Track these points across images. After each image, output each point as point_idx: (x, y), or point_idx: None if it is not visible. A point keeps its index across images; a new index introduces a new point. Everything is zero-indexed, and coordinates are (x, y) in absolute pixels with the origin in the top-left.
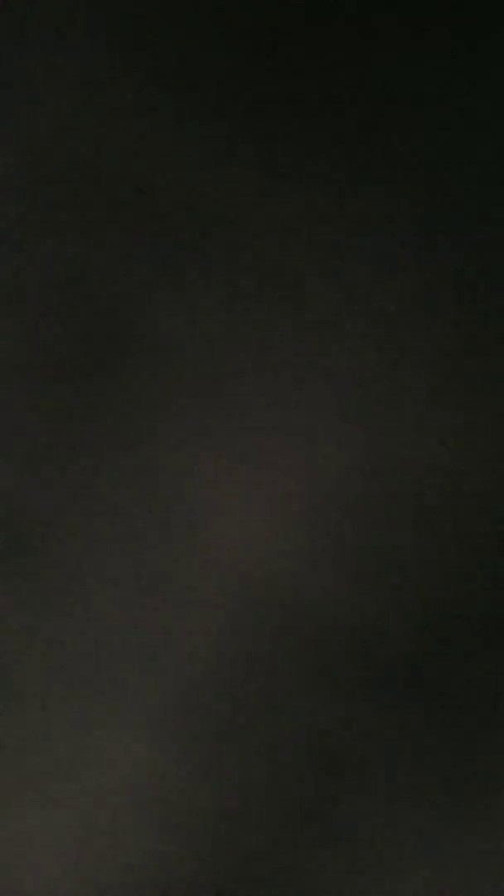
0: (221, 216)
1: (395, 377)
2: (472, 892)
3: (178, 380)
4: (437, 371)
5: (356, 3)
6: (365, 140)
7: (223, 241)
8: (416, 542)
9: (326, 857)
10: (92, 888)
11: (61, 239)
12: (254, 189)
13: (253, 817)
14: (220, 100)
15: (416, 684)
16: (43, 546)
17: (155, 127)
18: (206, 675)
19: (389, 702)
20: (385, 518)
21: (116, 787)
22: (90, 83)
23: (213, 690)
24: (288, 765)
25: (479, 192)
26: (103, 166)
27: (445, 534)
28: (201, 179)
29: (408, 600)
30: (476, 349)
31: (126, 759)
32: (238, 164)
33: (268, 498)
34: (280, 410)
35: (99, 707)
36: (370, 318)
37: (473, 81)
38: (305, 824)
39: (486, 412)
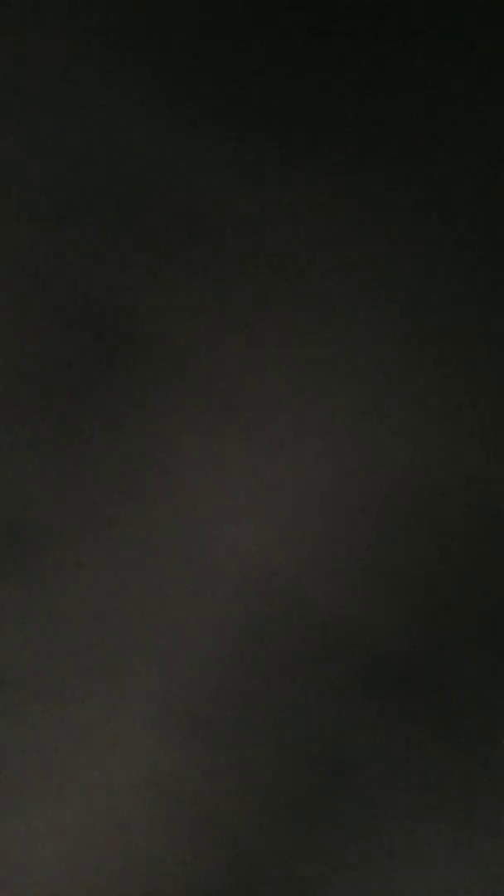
0: (222, 215)
1: (396, 380)
2: (472, 892)
3: (179, 381)
4: (437, 374)
5: (357, 2)
6: (366, 137)
7: (224, 241)
8: (415, 544)
9: (327, 857)
10: (92, 888)
11: (61, 239)
12: (255, 188)
13: (254, 818)
14: (221, 98)
15: (416, 686)
16: (43, 546)
17: (155, 127)
18: (206, 675)
19: (390, 703)
20: (385, 520)
21: (117, 788)
22: (91, 82)
23: (214, 691)
24: (289, 765)
25: (481, 191)
26: (104, 167)
27: (446, 536)
28: (202, 179)
29: (408, 603)
30: (477, 351)
31: (127, 760)
32: (239, 164)
33: (268, 499)
34: (280, 412)
35: (99, 707)
36: (371, 321)
37: (474, 75)
38: (307, 824)
39: (486, 414)
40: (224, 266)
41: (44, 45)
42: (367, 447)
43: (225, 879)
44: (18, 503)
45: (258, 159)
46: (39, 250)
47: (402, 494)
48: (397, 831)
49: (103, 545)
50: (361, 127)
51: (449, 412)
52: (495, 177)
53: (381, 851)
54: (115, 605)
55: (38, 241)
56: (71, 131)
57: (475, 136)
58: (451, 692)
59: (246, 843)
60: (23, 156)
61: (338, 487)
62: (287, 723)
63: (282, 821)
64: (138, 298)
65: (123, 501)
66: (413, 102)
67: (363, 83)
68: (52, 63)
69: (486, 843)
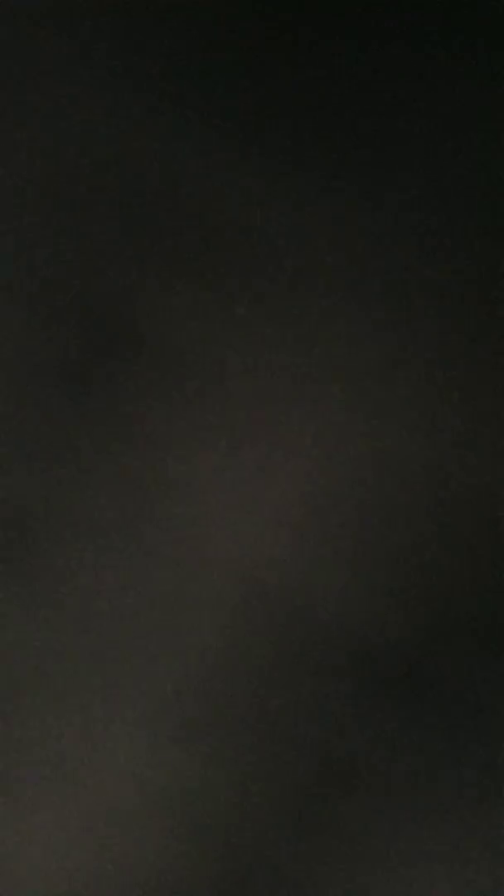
0: (222, 216)
1: (397, 380)
2: (472, 892)
3: (178, 381)
4: (438, 374)
5: (359, 8)
6: (368, 139)
7: (223, 241)
8: (416, 543)
9: (327, 858)
10: (92, 888)
11: (61, 239)
12: (254, 189)
13: (253, 818)
14: (222, 100)
15: (416, 685)
16: (43, 546)
17: (156, 128)
18: (206, 675)
19: (390, 703)
20: (385, 520)
21: (116, 788)
22: (91, 84)
23: (214, 691)
24: (288, 765)
25: (480, 192)
26: (104, 167)
27: (446, 535)
28: (202, 179)
29: (408, 602)
30: (477, 352)
31: (126, 761)
32: (239, 164)
33: (268, 499)
34: (280, 412)
35: (99, 708)
36: (372, 321)
37: (474, 83)
38: (306, 825)
39: (487, 415)
40: (224, 267)
41: (45, 46)
42: (369, 449)
43: (224, 881)
44: (18, 505)
45: (259, 160)
46: (39, 251)
47: (403, 496)
48: (397, 831)
49: (102, 547)
50: (364, 128)
51: (451, 414)
52: (496, 179)
53: (381, 852)
54: (115, 608)
55: (38, 243)
56: (72, 132)
57: (477, 139)
58: (452, 692)
59: (245, 844)
60: (23, 157)
61: (338, 489)
62: (287, 723)
63: (281, 822)
64: (138, 299)
65: (123, 503)
66: (414, 103)
67: (364, 83)
68: (54, 64)
69: (486, 844)
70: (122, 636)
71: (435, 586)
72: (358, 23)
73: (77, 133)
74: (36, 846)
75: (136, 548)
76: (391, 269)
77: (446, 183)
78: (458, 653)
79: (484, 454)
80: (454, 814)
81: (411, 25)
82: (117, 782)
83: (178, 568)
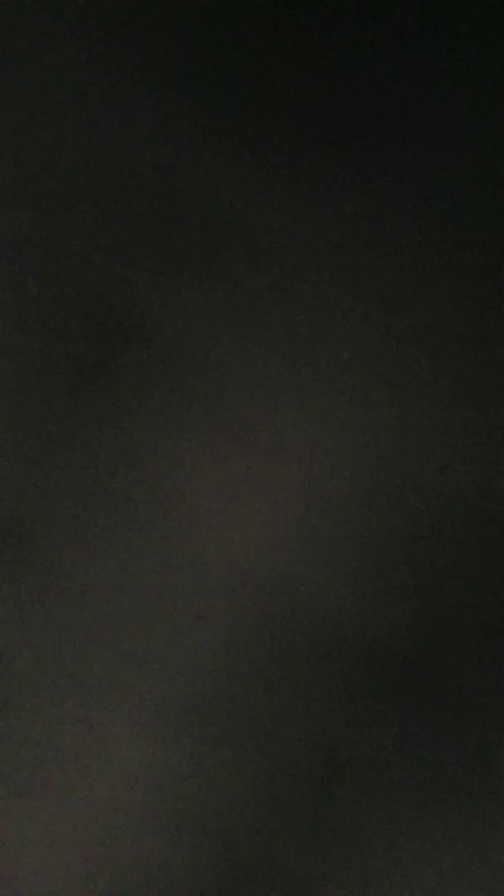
0: (223, 216)
1: (397, 379)
2: (472, 892)
3: (178, 381)
4: (438, 374)
5: (359, 6)
6: (365, 136)
7: (224, 241)
8: (416, 543)
9: (328, 859)
10: (92, 889)
11: (61, 239)
12: (254, 188)
13: (254, 819)
14: (223, 100)
15: (416, 685)
16: (43, 546)
17: (156, 128)
18: (206, 675)
19: (391, 703)
20: (385, 519)
21: (117, 789)
22: (92, 84)
23: (215, 691)
24: (289, 766)
25: (480, 192)
26: (104, 166)
27: (446, 535)
28: (202, 179)
29: (408, 602)
30: (478, 352)
31: (126, 761)
32: (239, 164)
33: (269, 499)
34: (280, 411)
35: (99, 708)
36: (372, 321)
37: (473, 81)
38: (307, 825)
39: (487, 415)
40: (224, 266)
41: (46, 47)
42: (368, 448)
43: (224, 880)
44: (18, 504)
45: (260, 160)
46: (39, 250)
47: (403, 495)
48: (397, 831)
49: (102, 546)
50: (364, 128)
51: (448, 412)
52: (495, 184)
53: (381, 852)
54: (115, 607)
55: (38, 242)
56: (72, 132)
57: (476, 144)
58: (451, 692)
59: (245, 843)
60: (24, 156)
61: (338, 488)
62: (286, 723)
63: (281, 822)
64: (139, 300)
65: (123, 502)
66: (414, 104)
67: (364, 83)
68: (55, 65)
69: (486, 843)
70: (122, 636)
71: (435, 585)
72: (359, 20)
73: (77, 133)
74: (36, 846)
75: (136, 547)
76: (391, 268)
77: (446, 183)
78: (458, 652)
79: (484, 454)
80: (454, 814)
81: (411, 26)
82: (117, 782)
83: (179, 567)
